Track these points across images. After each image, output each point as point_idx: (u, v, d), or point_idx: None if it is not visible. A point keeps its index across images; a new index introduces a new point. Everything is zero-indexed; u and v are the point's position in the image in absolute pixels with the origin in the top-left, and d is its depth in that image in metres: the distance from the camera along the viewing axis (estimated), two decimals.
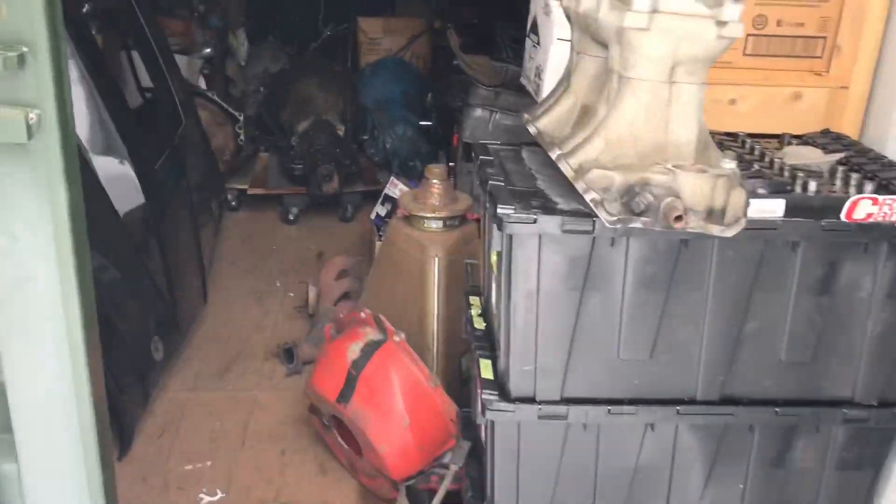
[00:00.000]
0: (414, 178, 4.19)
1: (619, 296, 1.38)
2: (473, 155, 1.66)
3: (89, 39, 2.52)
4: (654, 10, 1.20)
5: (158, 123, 2.90)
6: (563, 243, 1.34)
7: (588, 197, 1.27)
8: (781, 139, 1.66)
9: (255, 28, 5.07)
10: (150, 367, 2.46)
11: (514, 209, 1.32)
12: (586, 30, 1.40)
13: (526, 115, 1.58)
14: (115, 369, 2.16)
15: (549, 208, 1.34)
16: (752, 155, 1.56)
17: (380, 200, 3.43)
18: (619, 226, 1.25)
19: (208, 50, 4.38)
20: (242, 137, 3.84)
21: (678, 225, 1.21)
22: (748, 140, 1.62)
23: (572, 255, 1.35)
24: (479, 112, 2.80)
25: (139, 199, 2.45)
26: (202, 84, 4.49)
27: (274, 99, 4.43)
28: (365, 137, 4.52)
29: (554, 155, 1.39)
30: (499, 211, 1.33)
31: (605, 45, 1.34)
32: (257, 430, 2.48)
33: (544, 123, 1.51)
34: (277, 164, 4.17)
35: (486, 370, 1.53)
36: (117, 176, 2.39)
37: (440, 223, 2.42)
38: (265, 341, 2.95)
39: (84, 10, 2.52)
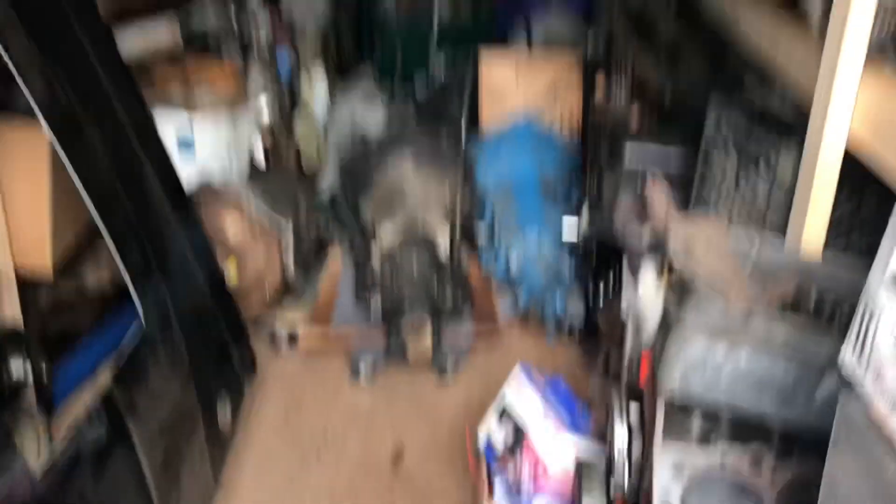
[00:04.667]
0: (552, 332, 2.77)
1: None
2: None
3: None
4: None
5: None
6: None
7: None
8: None
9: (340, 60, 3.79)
10: None
11: None
12: None
13: None
14: None
15: None
16: None
17: (495, 406, 2.03)
18: None
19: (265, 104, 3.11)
20: (291, 265, 2.53)
21: None
22: None
23: None
24: (700, 345, 1.35)
25: None
26: (259, 152, 3.25)
27: (353, 182, 3.11)
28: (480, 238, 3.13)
29: None
30: None
31: None
32: None
33: None
34: (351, 288, 2.85)
35: None
36: None
37: None
38: None
39: None
